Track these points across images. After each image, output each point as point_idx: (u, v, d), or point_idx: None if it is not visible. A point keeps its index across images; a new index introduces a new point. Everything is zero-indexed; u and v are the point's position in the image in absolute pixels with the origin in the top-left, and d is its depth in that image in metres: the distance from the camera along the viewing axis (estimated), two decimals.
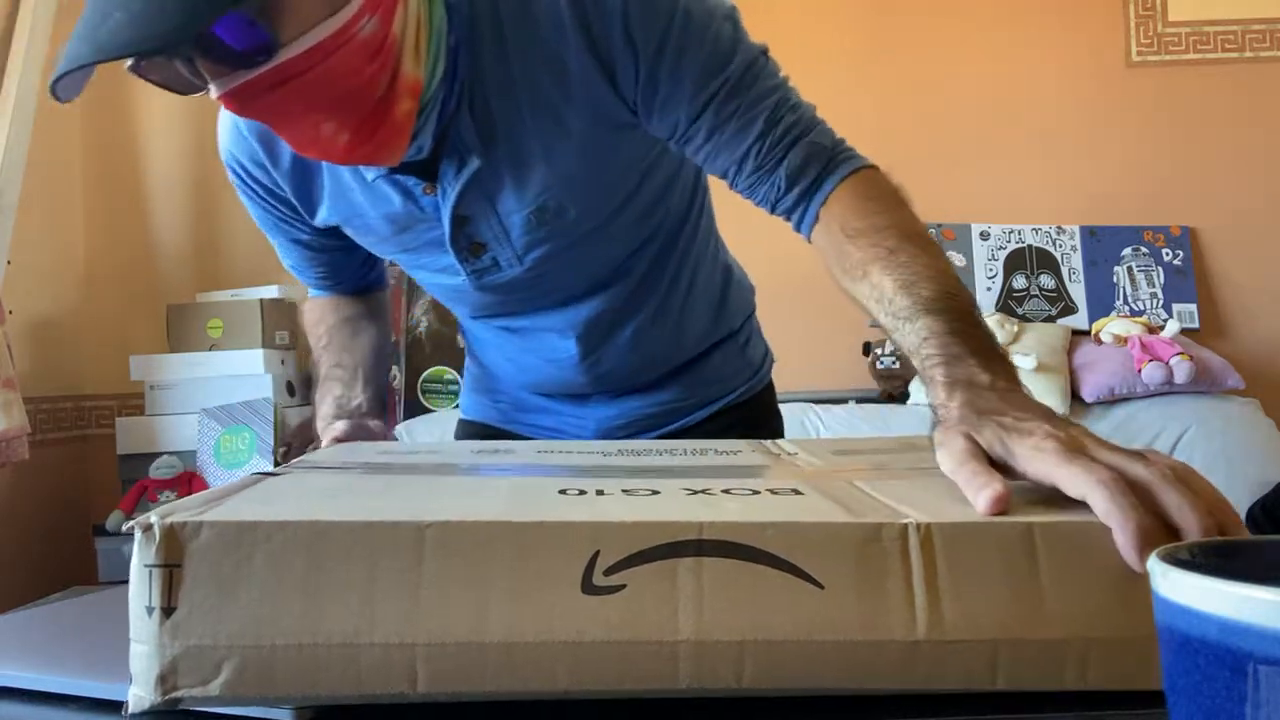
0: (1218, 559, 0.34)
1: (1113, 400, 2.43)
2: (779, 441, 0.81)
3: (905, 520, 0.44)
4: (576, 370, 1.02)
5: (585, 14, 0.79)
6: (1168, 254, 2.83)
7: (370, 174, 0.87)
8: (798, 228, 0.85)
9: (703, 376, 1.08)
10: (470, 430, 1.18)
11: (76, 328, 2.74)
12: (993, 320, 2.53)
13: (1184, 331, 2.66)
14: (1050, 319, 2.76)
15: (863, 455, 0.70)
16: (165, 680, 0.41)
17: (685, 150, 0.86)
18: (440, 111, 0.82)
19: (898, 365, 2.59)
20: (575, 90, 0.82)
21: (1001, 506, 0.46)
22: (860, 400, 2.56)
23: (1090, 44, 2.92)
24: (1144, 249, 2.84)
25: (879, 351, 2.64)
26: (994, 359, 0.61)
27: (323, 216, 0.96)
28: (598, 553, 0.42)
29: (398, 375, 2.75)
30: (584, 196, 0.89)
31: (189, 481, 2.40)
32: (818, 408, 2.38)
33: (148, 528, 0.42)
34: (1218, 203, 2.87)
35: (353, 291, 1.13)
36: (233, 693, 0.42)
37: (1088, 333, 2.70)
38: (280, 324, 2.65)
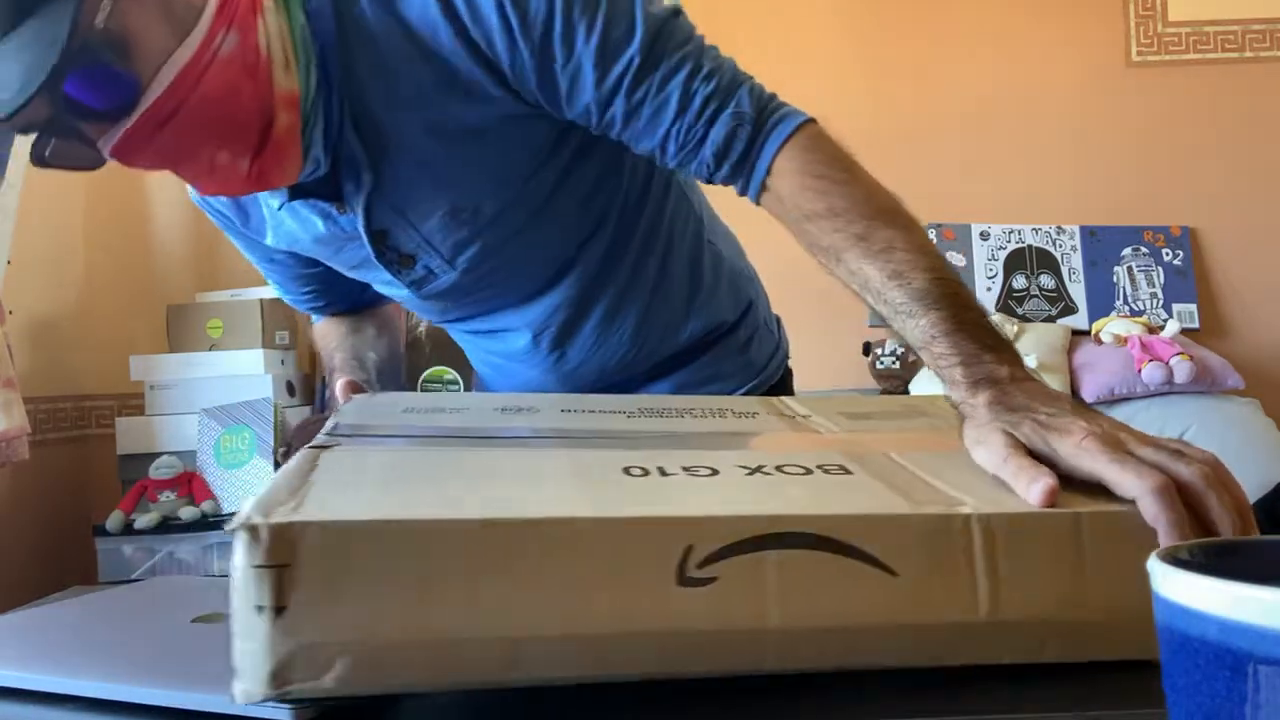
0: (1218, 559, 0.34)
1: (1113, 400, 2.43)
2: (787, 401, 0.80)
3: (968, 511, 0.48)
4: (544, 368, 1.00)
5: (457, 13, 0.75)
6: (1168, 254, 2.83)
7: (277, 201, 0.86)
8: (744, 194, 0.80)
9: (695, 375, 1.03)
10: None
11: (76, 328, 2.74)
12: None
13: (1184, 331, 2.66)
14: (1050, 319, 2.76)
15: (875, 420, 0.73)
16: (277, 676, 0.42)
17: (608, 134, 0.81)
18: (326, 123, 0.80)
19: (898, 365, 2.59)
20: (462, 88, 0.79)
21: (1054, 498, 0.50)
22: None
23: (1090, 44, 2.92)
24: (1144, 249, 2.84)
25: (879, 351, 2.64)
26: (1001, 348, 0.64)
27: (273, 240, 0.95)
28: (691, 547, 0.45)
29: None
30: (498, 192, 0.86)
31: (189, 481, 2.40)
32: None
33: (253, 528, 0.42)
34: (1218, 203, 2.87)
35: (350, 310, 1.11)
36: (344, 687, 0.43)
37: (1088, 333, 2.70)
38: (280, 324, 2.65)
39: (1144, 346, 2.47)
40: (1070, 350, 2.59)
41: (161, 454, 2.42)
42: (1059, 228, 2.87)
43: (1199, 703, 0.30)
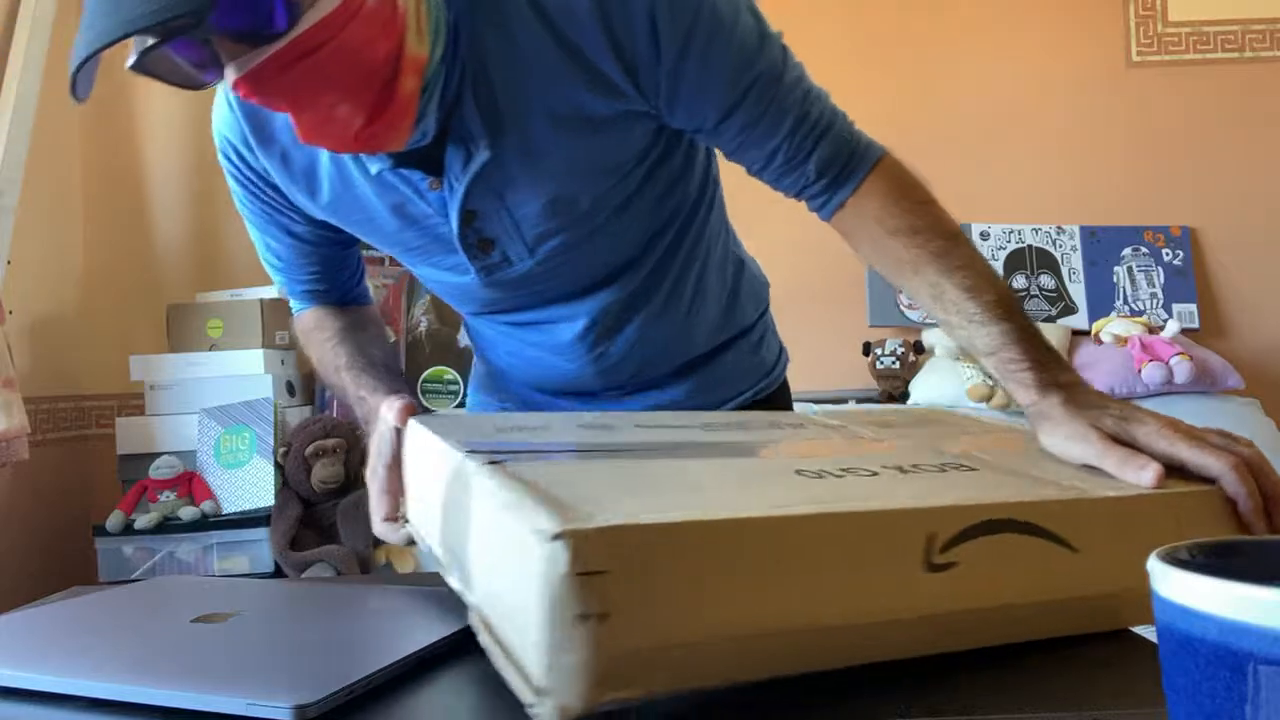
0: (1218, 559, 0.34)
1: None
2: (808, 415, 0.84)
3: (1100, 494, 0.57)
4: (583, 362, 1.00)
5: (606, 9, 0.77)
6: (1168, 254, 2.83)
7: (375, 166, 0.85)
8: (818, 210, 0.89)
9: (714, 375, 1.06)
10: None
11: (76, 328, 2.74)
12: None
13: (1184, 331, 2.66)
14: (1050, 319, 2.76)
15: (912, 428, 0.80)
16: (600, 685, 0.41)
17: (709, 142, 0.88)
18: (443, 94, 0.80)
19: (897, 365, 2.59)
20: (590, 77, 0.80)
21: (1164, 481, 0.59)
22: (860, 400, 2.56)
23: (1090, 44, 2.92)
24: (1144, 249, 2.84)
25: (879, 351, 2.64)
26: (1060, 359, 0.74)
27: (323, 206, 0.92)
28: (934, 534, 0.49)
29: None
30: (596, 185, 0.88)
31: (189, 481, 2.40)
32: (818, 408, 2.38)
33: (574, 535, 0.41)
34: (1218, 203, 2.87)
35: (340, 302, 1.08)
36: (659, 689, 0.43)
37: (1088, 333, 2.70)
38: (280, 324, 2.65)
39: (1144, 346, 2.47)
40: (1070, 350, 2.59)
41: (161, 454, 2.42)
42: (1059, 228, 2.87)
43: (1199, 703, 0.30)
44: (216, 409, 2.45)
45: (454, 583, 0.59)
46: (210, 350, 2.55)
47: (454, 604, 0.70)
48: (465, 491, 0.55)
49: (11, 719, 0.53)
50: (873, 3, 2.95)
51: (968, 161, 2.85)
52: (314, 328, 1.06)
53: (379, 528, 0.83)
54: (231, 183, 0.97)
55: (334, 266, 1.04)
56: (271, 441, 2.42)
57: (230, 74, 0.68)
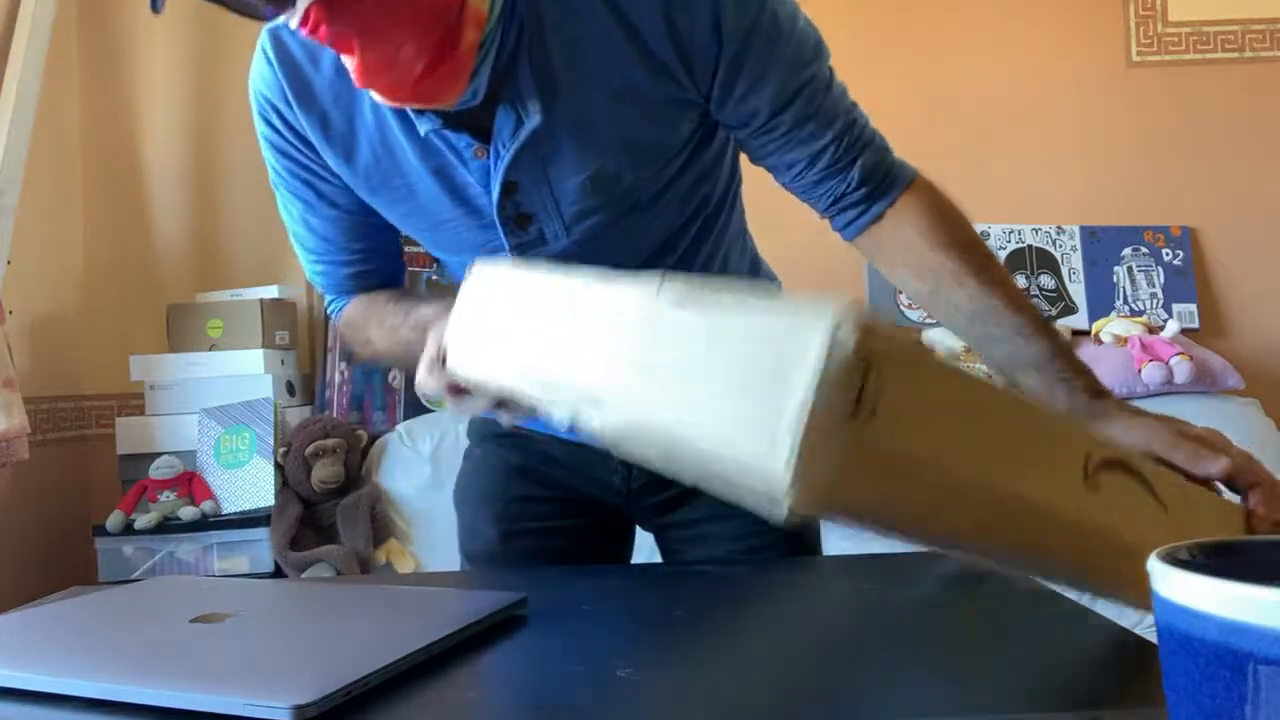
0: (1218, 559, 0.34)
1: None
2: None
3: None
4: None
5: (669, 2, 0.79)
6: (1168, 254, 2.83)
7: (424, 127, 0.83)
8: (852, 221, 0.90)
9: None
10: (485, 428, 1.13)
11: (76, 328, 2.74)
12: None
13: (1184, 331, 2.65)
14: (1050, 319, 2.76)
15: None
16: (844, 487, 0.45)
17: (755, 140, 0.88)
18: (498, 55, 0.79)
19: None
20: (645, 59, 0.81)
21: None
22: None
23: (1090, 44, 2.91)
24: (1144, 249, 2.84)
25: None
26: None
27: (360, 173, 0.89)
28: (1089, 455, 0.54)
29: (397, 375, 2.75)
30: (639, 165, 0.88)
31: (189, 481, 2.40)
32: None
33: (856, 325, 0.42)
34: (1218, 203, 2.87)
35: (384, 283, 1.02)
36: (864, 514, 0.49)
37: (1088, 333, 2.70)
38: (280, 324, 2.65)
39: (1144, 346, 2.47)
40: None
41: (161, 454, 2.42)
42: (1059, 228, 2.86)
43: (1199, 703, 0.30)
44: (216, 409, 2.45)
45: (560, 412, 0.57)
46: (210, 350, 2.55)
47: (454, 604, 0.70)
48: (648, 314, 0.53)
49: (11, 719, 0.53)
50: (873, 2, 2.95)
51: (967, 161, 2.84)
52: (366, 310, 0.99)
53: (422, 375, 0.77)
54: (269, 153, 0.94)
55: (378, 242, 0.99)
56: (271, 441, 2.42)
57: (303, 1, 0.68)
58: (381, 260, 1.01)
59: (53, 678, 0.56)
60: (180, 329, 2.59)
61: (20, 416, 2.19)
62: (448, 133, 0.83)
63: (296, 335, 2.75)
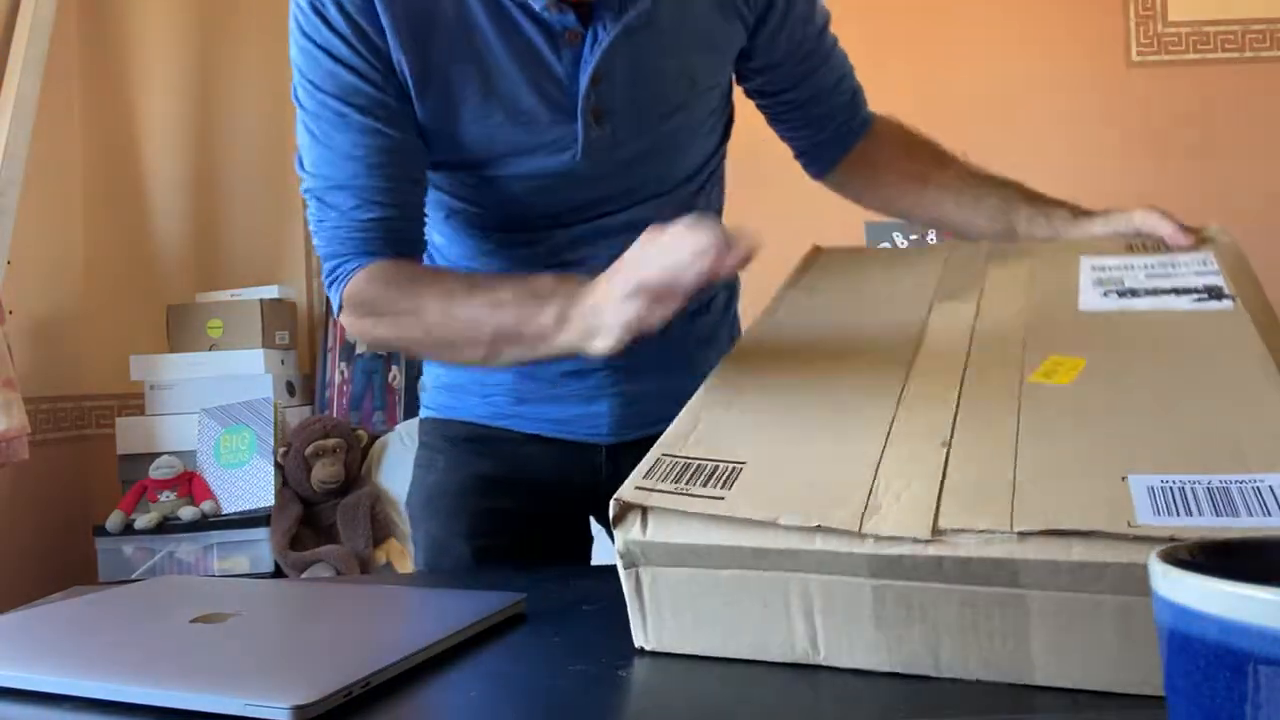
0: (1218, 559, 0.34)
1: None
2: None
3: None
4: None
5: None
6: None
7: (538, 3, 0.82)
8: (844, 149, 1.08)
9: (690, 340, 1.04)
10: (447, 430, 1.06)
11: (76, 328, 2.74)
12: None
13: None
14: None
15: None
16: None
17: (794, 69, 1.02)
18: None
19: None
20: None
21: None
22: None
23: (1090, 44, 2.91)
24: None
25: None
26: None
27: (432, 55, 0.83)
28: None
29: (398, 375, 2.75)
30: (713, 69, 0.96)
31: (189, 481, 2.40)
32: None
33: None
34: (1218, 203, 2.87)
35: (405, 244, 0.88)
36: None
37: None
38: (280, 324, 2.65)
39: None
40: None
41: (161, 454, 2.42)
42: None
43: (1199, 703, 0.30)
44: (216, 409, 2.45)
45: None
46: (210, 350, 2.55)
47: (454, 604, 0.70)
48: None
49: (11, 719, 0.53)
50: (872, 2, 2.95)
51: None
52: (414, 274, 0.86)
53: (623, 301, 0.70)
54: (310, 56, 0.83)
55: (414, 175, 0.88)
56: (271, 441, 2.42)
57: None
58: (408, 201, 0.88)
59: (53, 678, 0.56)
60: (180, 329, 2.59)
61: (20, 416, 2.19)
62: (552, 15, 0.83)
63: (296, 335, 2.75)
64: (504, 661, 0.61)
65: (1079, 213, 0.98)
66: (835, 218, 2.89)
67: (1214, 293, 0.72)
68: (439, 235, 1.01)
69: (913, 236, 2.79)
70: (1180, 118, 2.89)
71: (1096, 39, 2.91)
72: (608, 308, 0.70)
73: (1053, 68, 2.91)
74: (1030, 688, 0.49)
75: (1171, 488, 0.48)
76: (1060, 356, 0.66)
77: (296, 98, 0.86)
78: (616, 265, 0.72)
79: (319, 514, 2.38)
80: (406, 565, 2.35)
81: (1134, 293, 0.74)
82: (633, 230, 0.91)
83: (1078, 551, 0.46)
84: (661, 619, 0.58)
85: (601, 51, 0.85)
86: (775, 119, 1.09)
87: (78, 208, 2.80)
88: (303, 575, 2.18)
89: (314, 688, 0.51)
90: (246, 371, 2.50)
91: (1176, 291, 0.74)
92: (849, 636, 0.52)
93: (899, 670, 0.52)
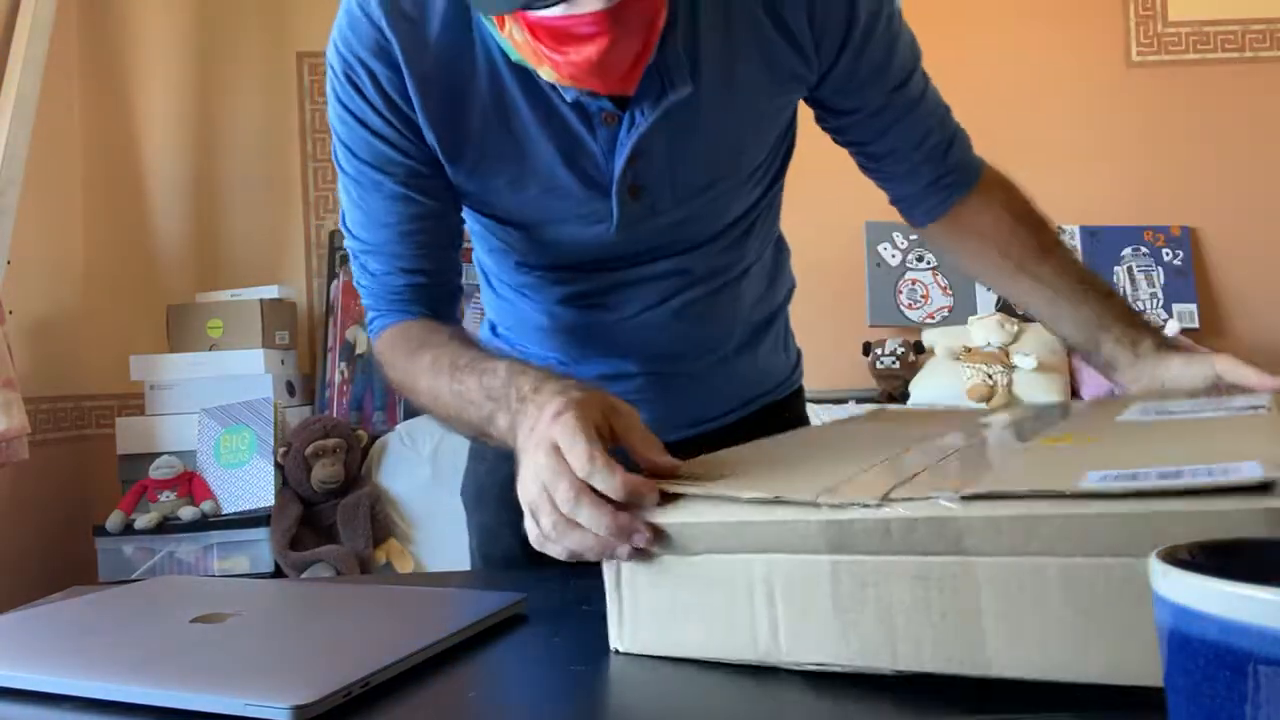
0: (1218, 559, 0.34)
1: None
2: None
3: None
4: (646, 336, 0.97)
5: None
6: (1168, 254, 2.83)
7: (572, 94, 0.79)
8: (935, 206, 0.98)
9: (748, 369, 1.05)
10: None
11: (76, 328, 2.74)
12: (993, 320, 2.53)
13: (1184, 331, 2.65)
14: None
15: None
16: None
17: (867, 123, 0.93)
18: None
19: (897, 365, 2.59)
20: (781, 30, 0.84)
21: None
22: (860, 400, 2.56)
23: (1090, 44, 2.91)
24: (1144, 249, 2.84)
25: (879, 351, 2.64)
26: None
27: (465, 138, 0.83)
28: None
29: None
30: (761, 137, 0.91)
31: (189, 481, 2.40)
32: (818, 408, 2.38)
33: None
34: (1218, 203, 2.87)
35: (437, 303, 0.91)
36: None
37: None
38: (280, 324, 2.65)
39: None
40: (1070, 350, 2.59)
41: (161, 454, 2.42)
42: (1059, 227, 2.87)
43: (1199, 703, 0.30)
44: (216, 409, 2.45)
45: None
46: (210, 350, 2.55)
47: (454, 604, 0.70)
48: None
49: (11, 719, 0.53)
50: None
51: None
52: (422, 335, 0.88)
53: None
54: (345, 121, 0.85)
55: (444, 240, 0.90)
56: (271, 441, 2.42)
57: (596, 4, 0.68)
58: (440, 265, 0.91)
59: (53, 678, 0.56)
60: (180, 329, 2.59)
61: (20, 416, 2.19)
62: (586, 99, 0.80)
63: (296, 335, 2.75)
64: (504, 661, 0.61)
65: (1164, 344, 0.92)
66: (835, 217, 2.88)
67: (1254, 407, 0.71)
68: (487, 259, 1.02)
69: (913, 237, 2.79)
70: (1180, 118, 2.89)
71: (1096, 39, 2.91)
72: (526, 450, 0.64)
73: (1053, 67, 2.91)
74: (1031, 689, 0.49)
75: (1124, 473, 0.48)
76: (1080, 434, 0.66)
77: (336, 159, 0.88)
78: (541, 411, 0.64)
79: (319, 514, 2.38)
80: (406, 565, 2.35)
81: (1173, 412, 0.72)
82: (676, 275, 0.95)
83: (1017, 508, 0.47)
84: (638, 616, 0.59)
85: (639, 135, 0.82)
86: (860, 166, 1.00)
87: (78, 208, 2.80)
88: (303, 575, 2.18)
89: (314, 688, 0.51)
90: (246, 371, 2.50)
91: (1216, 408, 0.72)
92: (808, 622, 0.54)
93: (857, 664, 0.52)
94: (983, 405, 2.38)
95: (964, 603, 0.49)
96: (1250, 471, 0.44)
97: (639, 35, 0.72)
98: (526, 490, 0.61)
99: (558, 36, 0.71)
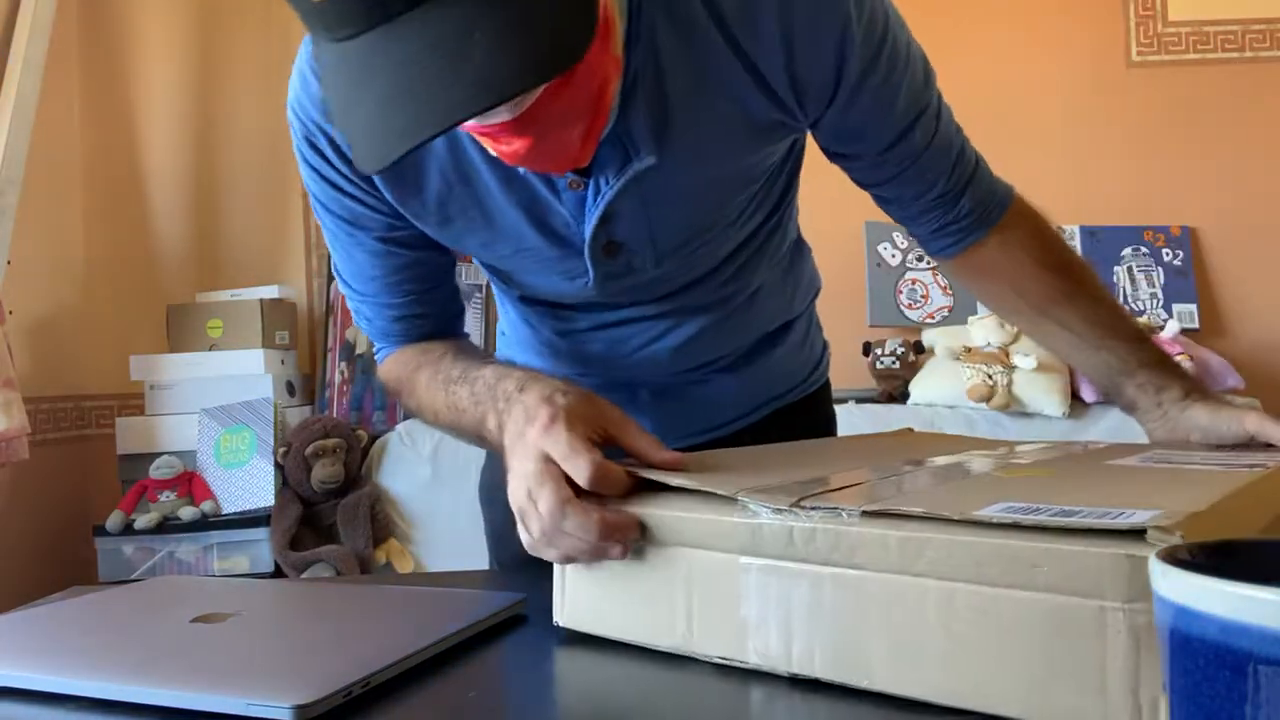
0: (1218, 559, 0.34)
1: (1112, 400, 2.42)
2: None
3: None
4: (655, 360, 0.95)
5: (790, 28, 0.73)
6: (1168, 254, 2.83)
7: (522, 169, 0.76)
8: (952, 244, 0.91)
9: (762, 374, 1.03)
10: None
11: (76, 328, 2.74)
12: (993, 320, 2.53)
13: (1184, 331, 2.65)
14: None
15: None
16: None
17: (864, 171, 0.87)
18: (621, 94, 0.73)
19: (897, 365, 2.59)
20: (759, 86, 0.76)
21: None
22: (860, 400, 2.56)
23: (1090, 44, 2.91)
24: (1144, 249, 2.84)
25: (879, 351, 2.64)
26: None
27: (426, 202, 0.81)
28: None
29: None
30: (742, 188, 0.84)
31: (189, 481, 2.40)
32: None
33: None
34: (1218, 203, 2.87)
35: (438, 331, 0.93)
36: None
37: None
38: (280, 324, 2.65)
39: None
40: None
41: (161, 454, 2.42)
42: (1059, 228, 2.86)
43: (1199, 703, 0.30)
44: (216, 409, 2.45)
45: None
46: (210, 350, 2.55)
47: (454, 604, 0.70)
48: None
49: (11, 719, 0.53)
50: None
51: None
52: (418, 358, 0.89)
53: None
54: (313, 180, 0.84)
55: (431, 284, 0.91)
56: (271, 441, 2.42)
57: (503, 114, 0.62)
58: (433, 306, 0.91)
59: (53, 678, 0.56)
60: (180, 329, 2.59)
61: (20, 416, 2.19)
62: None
63: (296, 335, 2.75)
64: (504, 661, 0.61)
65: (1191, 393, 0.86)
66: (835, 217, 2.89)
67: (1253, 465, 0.66)
68: (492, 281, 1.00)
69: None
70: (1180, 118, 2.89)
71: (1096, 39, 2.91)
72: (515, 454, 0.65)
73: (1053, 68, 2.91)
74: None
75: (1027, 506, 0.48)
76: (1053, 468, 0.65)
77: (315, 211, 0.88)
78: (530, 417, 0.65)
79: (319, 514, 2.38)
80: (406, 565, 2.35)
81: (1170, 461, 0.68)
82: (676, 313, 0.92)
83: (907, 529, 0.49)
84: (577, 595, 0.64)
85: (606, 201, 0.78)
86: (876, 201, 0.94)
87: (78, 208, 2.80)
88: (303, 575, 2.18)
89: (315, 687, 0.51)
90: (246, 371, 2.50)
91: (1216, 462, 0.68)
92: (716, 618, 0.57)
93: (757, 663, 0.55)
94: (982, 405, 2.37)
95: (852, 616, 0.51)
96: (1137, 518, 0.44)
97: (576, 121, 0.67)
98: (515, 498, 0.62)
99: (485, 135, 0.67)
